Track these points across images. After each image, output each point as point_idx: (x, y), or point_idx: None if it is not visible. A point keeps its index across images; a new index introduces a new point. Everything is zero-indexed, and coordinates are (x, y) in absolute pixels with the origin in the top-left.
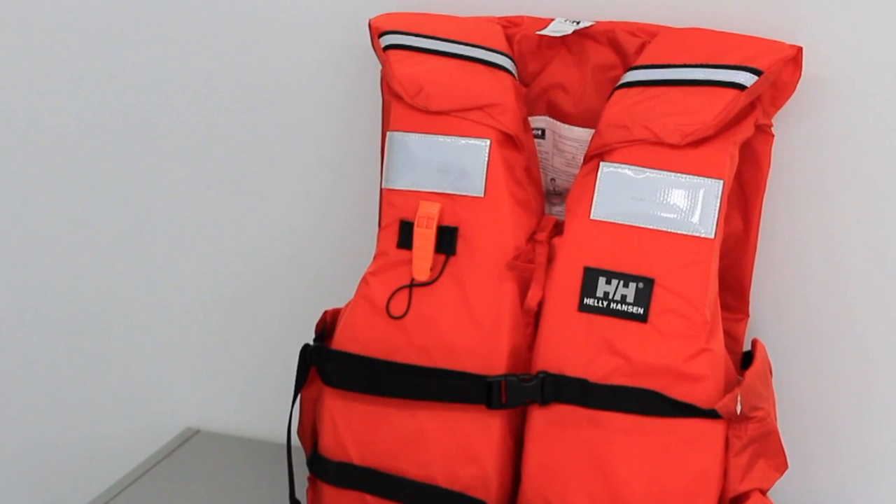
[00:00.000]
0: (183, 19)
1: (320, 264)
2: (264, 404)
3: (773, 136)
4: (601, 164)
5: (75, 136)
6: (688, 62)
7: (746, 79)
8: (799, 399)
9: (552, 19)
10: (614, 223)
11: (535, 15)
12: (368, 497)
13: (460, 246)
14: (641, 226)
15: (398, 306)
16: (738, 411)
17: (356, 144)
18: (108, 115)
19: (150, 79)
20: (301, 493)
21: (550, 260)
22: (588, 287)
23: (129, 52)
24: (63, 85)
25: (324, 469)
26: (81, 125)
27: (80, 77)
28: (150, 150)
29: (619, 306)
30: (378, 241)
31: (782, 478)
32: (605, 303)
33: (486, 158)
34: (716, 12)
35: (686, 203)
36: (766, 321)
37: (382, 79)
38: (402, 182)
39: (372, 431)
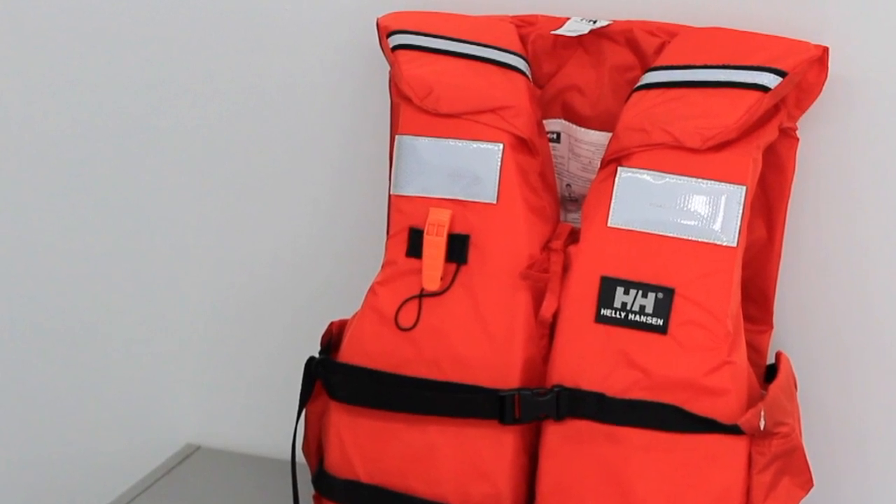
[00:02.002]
0: (182, 18)
1: (326, 273)
2: (268, 419)
3: (797, 139)
4: (619, 169)
5: (71, 139)
6: (709, 63)
7: (770, 80)
8: (825, 414)
9: (568, 18)
10: (632, 231)
11: (550, 14)
12: None
13: (472, 254)
14: (661, 233)
15: (407, 317)
16: (762, 427)
17: (363, 148)
18: (106, 118)
19: (149, 80)
20: None
21: (566, 269)
22: (605, 297)
23: (126, 51)
24: (58, 86)
25: (330, 487)
26: (78, 128)
27: (76, 79)
28: (149, 154)
29: (637, 317)
30: (386, 249)
31: (807, 496)
32: (623, 314)
33: (499, 163)
34: (738, 11)
35: (707, 210)
36: (790, 333)
37: (391, 80)
38: (411, 188)
39: (380, 447)
